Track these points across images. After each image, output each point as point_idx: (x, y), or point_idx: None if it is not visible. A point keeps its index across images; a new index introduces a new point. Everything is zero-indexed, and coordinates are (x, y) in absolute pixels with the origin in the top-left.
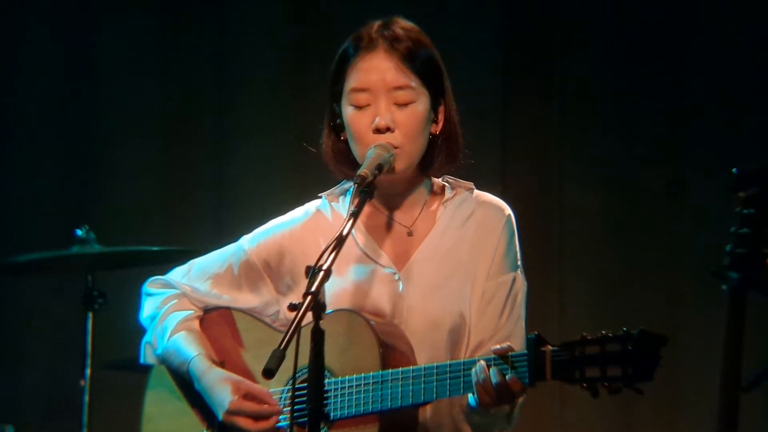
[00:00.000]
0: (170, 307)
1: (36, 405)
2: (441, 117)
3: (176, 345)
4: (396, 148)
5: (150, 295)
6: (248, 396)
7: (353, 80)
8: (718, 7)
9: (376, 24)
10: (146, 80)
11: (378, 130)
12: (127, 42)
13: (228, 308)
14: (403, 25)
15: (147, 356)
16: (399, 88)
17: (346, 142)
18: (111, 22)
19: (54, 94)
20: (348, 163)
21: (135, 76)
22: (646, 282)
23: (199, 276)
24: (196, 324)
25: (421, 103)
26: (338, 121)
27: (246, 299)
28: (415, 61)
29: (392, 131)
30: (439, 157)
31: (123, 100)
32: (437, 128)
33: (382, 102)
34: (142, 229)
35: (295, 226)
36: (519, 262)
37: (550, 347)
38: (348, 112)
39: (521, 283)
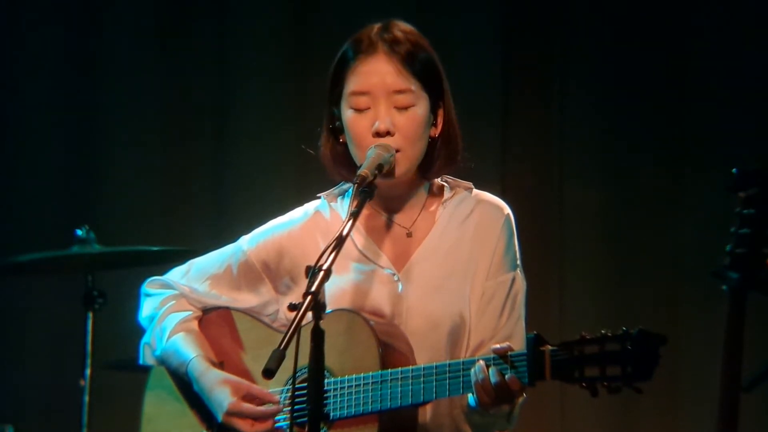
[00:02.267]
0: (169, 308)
1: (36, 405)
2: (440, 120)
3: (175, 346)
4: (396, 151)
5: (148, 295)
6: (248, 397)
7: (353, 83)
8: (718, 7)
9: (376, 27)
10: (147, 80)
11: (378, 134)
12: (128, 42)
13: (227, 308)
14: (402, 27)
15: (146, 357)
16: (399, 91)
17: (344, 144)
18: (112, 22)
19: (54, 95)
20: (346, 165)
21: (135, 77)
22: (646, 282)
23: (197, 276)
24: (194, 325)
25: (421, 107)
26: (337, 123)
27: (245, 299)
28: (415, 64)
29: (392, 135)
30: (439, 160)
31: (123, 101)
32: (436, 131)
33: (382, 105)
34: (142, 229)
35: (294, 226)
36: (518, 262)
37: (549, 347)
38: (348, 115)
39: (521, 283)
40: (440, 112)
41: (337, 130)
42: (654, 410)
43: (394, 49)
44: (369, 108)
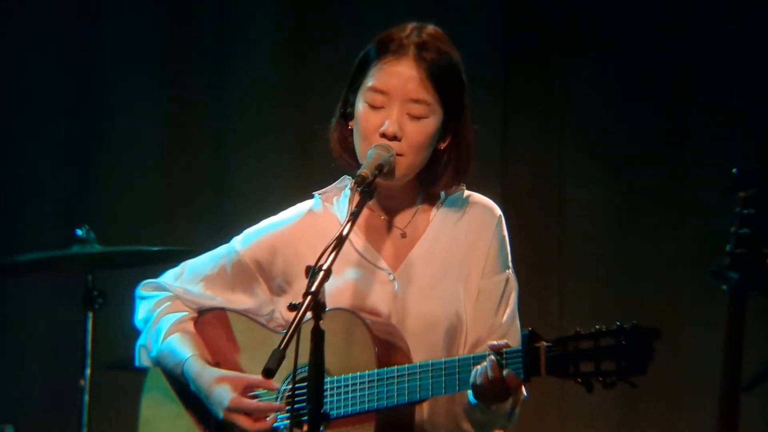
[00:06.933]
0: (163, 310)
1: (36, 405)
2: (449, 137)
3: (170, 347)
4: (398, 155)
5: (143, 298)
6: (247, 389)
7: (374, 79)
8: (718, 8)
9: (409, 28)
10: (147, 81)
11: (384, 135)
12: (128, 43)
13: (222, 309)
14: (435, 35)
15: (142, 359)
16: (416, 101)
17: (352, 131)
18: (113, 23)
19: (55, 95)
20: (351, 151)
21: (135, 77)
22: (646, 282)
23: (191, 278)
24: (190, 326)
25: (433, 120)
26: (349, 110)
27: (240, 300)
28: (439, 77)
29: (398, 140)
30: (445, 176)
31: (123, 101)
32: (443, 145)
33: (396, 109)
34: (142, 229)
35: (286, 226)
36: (510, 262)
37: (544, 343)
38: (360, 107)
39: (513, 282)
40: (451, 130)
41: (348, 116)
42: (654, 410)
43: (423, 56)
44: (383, 107)
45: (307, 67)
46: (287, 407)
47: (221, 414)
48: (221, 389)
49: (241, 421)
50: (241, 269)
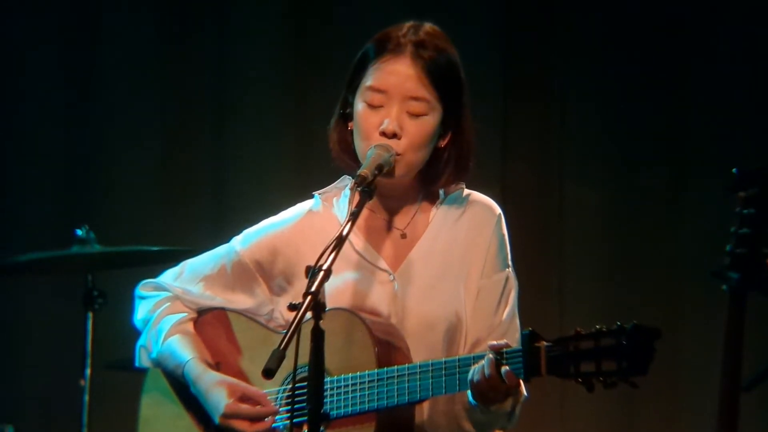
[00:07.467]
0: (163, 311)
1: (36, 405)
2: (449, 134)
3: (171, 348)
4: (398, 154)
5: (143, 298)
6: (243, 398)
7: (373, 78)
8: (718, 8)
9: (406, 27)
10: (147, 81)
11: (384, 134)
12: (128, 44)
13: (222, 309)
14: (433, 33)
15: (142, 360)
16: (415, 98)
17: (352, 132)
18: (113, 24)
19: (55, 95)
20: (351, 152)
21: (135, 77)
22: (646, 282)
23: (191, 278)
24: (190, 326)
25: (433, 118)
26: (348, 110)
27: (240, 300)
28: (438, 74)
29: (398, 138)
30: (446, 174)
31: (123, 101)
32: (443, 143)
33: (395, 107)
34: (142, 229)
35: (287, 226)
36: (509, 261)
37: (544, 343)
38: (359, 107)
39: (513, 281)
40: (450, 127)
41: (347, 117)
42: (654, 410)
43: (420, 54)
44: (382, 106)
45: (307, 67)
46: (283, 410)
47: (217, 419)
48: (218, 394)
49: (238, 425)
50: (241, 269)
